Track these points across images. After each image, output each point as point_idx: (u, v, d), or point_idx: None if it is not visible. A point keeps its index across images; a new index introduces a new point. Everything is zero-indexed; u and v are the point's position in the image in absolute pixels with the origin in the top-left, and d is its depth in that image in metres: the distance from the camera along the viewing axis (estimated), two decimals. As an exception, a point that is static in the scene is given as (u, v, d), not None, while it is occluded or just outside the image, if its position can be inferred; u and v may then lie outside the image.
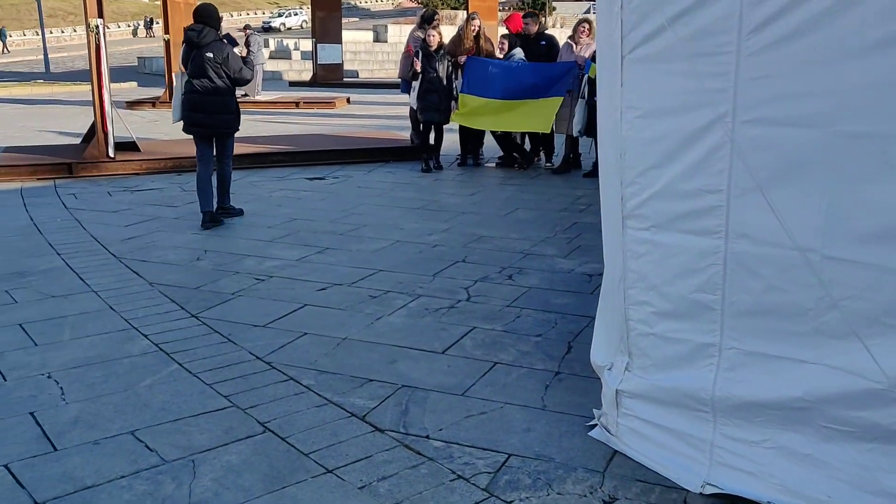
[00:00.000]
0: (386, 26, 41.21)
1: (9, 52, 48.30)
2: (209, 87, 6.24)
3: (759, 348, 2.51)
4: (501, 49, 9.17)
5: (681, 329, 2.71)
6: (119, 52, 46.64)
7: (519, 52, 9.02)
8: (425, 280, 5.04)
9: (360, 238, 6.12)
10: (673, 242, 2.67)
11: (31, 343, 4.01)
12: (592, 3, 59.59)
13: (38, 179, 8.53)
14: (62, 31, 52.69)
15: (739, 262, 2.51)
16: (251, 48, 19.20)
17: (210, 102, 6.28)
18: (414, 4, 64.17)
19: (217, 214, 6.56)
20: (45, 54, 34.99)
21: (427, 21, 9.81)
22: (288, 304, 4.58)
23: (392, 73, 35.44)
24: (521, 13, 9.91)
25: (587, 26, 9.01)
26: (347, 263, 5.43)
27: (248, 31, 20.02)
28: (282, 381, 3.57)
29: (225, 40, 6.44)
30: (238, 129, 6.55)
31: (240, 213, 6.81)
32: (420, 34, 9.70)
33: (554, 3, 51.60)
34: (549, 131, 8.83)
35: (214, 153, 6.59)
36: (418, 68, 8.71)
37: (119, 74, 29.04)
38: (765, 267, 2.45)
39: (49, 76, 31.20)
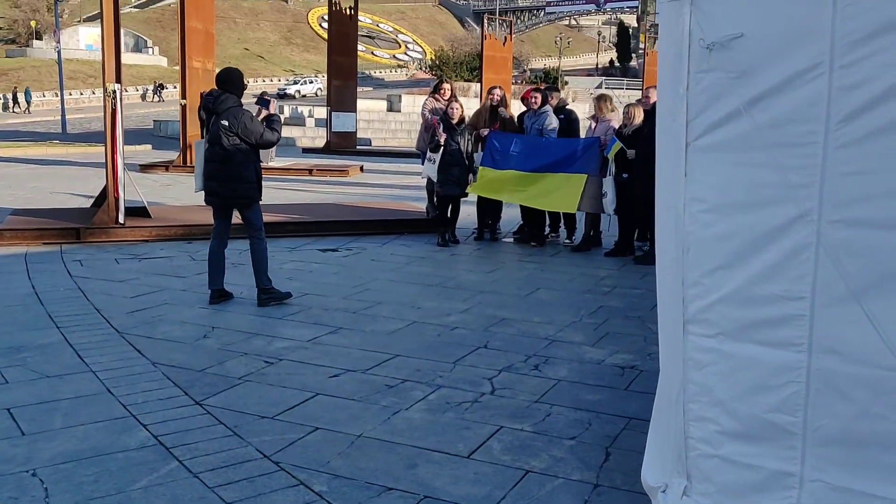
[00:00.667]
0: (400, 96, 41.69)
1: (30, 112, 49.13)
2: (222, 154, 5.90)
3: (850, 483, 2.17)
4: (534, 102, 8.94)
5: (752, 453, 2.37)
6: (136, 115, 47.27)
7: (548, 110, 8.84)
8: (445, 368, 4.70)
9: (374, 317, 5.80)
10: (744, 354, 2.35)
11: (17, 432, 3.67)
12: (604, 77, 60.55)
13: (44, 244, 8.29)
14: (81, 93, 53.55)
15: (826, 382, 2.19)
16: (267, 115, 19.25)
17: (224, 171, 5.95)
18: (427, 76, 65.30)
19: (262, 298, 6.08)
20: (63, 115, 35.40)
21: (434, 90, 9.75)
22: (299, 393, 4.25)
23: (405, 142, 35.74)
24: (533, 88, 9.78)
25: (602, 102, 8.86)
26: (361, 346, 5.11)
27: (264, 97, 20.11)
28: (291, 486, 3.21)
29: (256, 104, 6.24)
30: (257, 199, 6.17)
31: (286, 296, 6.16)
32: (431, 102, 9.58)
33: (566, 78, 52.40)
34: (574, 211, 8.60)
35: (241, 225, 6.31)
36: (442, 140, 8.54)
37: (135, 137, 29.24)
38: (858, 389, 2.12)
39: (65, 137, 31.46)
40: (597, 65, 78.11)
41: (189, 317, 5.71)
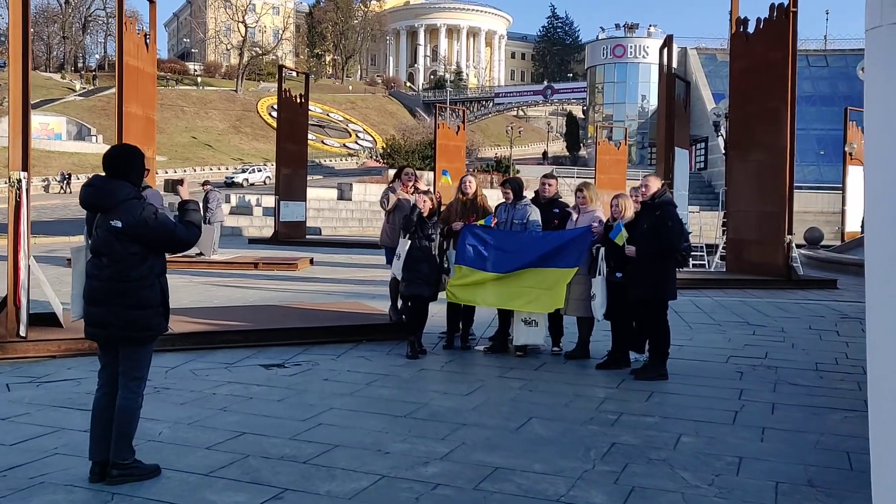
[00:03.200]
0: (350, 184, 41.11)
1: None
2: (112, 269, 4.18)
3: None
4: (506, 196, 7.90)
5: None
6: (75, 203, 45.47)
7: (527, 202, 7.84)
8: (433, 560, 3.40)
9: (330, 471, 4.47)
10: None
11: None
12: (555, 167, 60.88)
13: (-78, 364, 6.80)
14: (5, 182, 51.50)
15: None
16: (210, 204, 18.08)
17: (114, 291, 4.18)
18: (378, 164, 65.07)
19: (110, 474, 4.18)
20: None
21: (398, 177, 8.75)
22: None
23: (356, 230, 34.78)
24: (507, 178, 8.71)
25: (585, 194, 7.78)
26: (315, 521, 3.79)
27: (207, 186, 18.95)
28: None
29: (145, 196, 4.40)
30: (161, 331, 4.39)
31: (153, 472, 4.29)
32: (396, 190, 8.60)
33: (517, 166, 52.44)
34: (562, 306, 7.47)
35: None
36: (415, 215, 7.43)
37: (69, 227, 27.63)
38: None
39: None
40: (545, 154, 79.01)
41: (83, 476, 4.30)
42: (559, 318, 7.99)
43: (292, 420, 5.46)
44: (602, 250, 7.13)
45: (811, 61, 55.14)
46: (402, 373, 7.05)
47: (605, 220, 7.51)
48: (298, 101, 27.22)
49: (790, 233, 14.68)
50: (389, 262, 8.26)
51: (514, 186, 7.89)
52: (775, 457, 4.82)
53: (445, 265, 7.75)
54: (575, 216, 7.81)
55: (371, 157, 74.46)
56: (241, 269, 16.52)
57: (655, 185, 6.92)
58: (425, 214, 7.63)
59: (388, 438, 5.09)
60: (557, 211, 7.85)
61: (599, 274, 7.15)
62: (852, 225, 29.41)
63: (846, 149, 29.19)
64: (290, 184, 26.13)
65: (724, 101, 23.91)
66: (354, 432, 5.21)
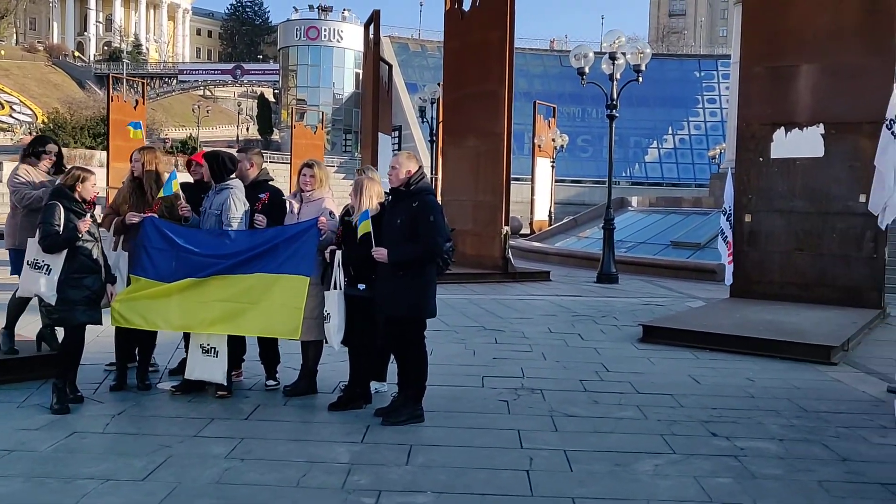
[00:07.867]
0: (1, 163, 35.11)
1: None
2: None
3: None
4: (202, 173, 5.75)
5: None
6: None
7: (230, 186, 5.71)
8: None
9: None
10: None
11: None
12: (237, 146, 57.83)
13: None
14: None
15: None
16: None
17: None
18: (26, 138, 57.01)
19: None
20: None
21: (35, 155, 6.19)
22: None
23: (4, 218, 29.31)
24: (205, 153, 6.49)
25: (315, 172, 5.88)
26: None
27: None
28: None
29: None
30: None
31: None
32: (27, 174, 6.07)
33: (206, 149, 48.70)
34: (297, 337, 5.52)
35: None
36: (83, 228, 4.96)
37: None
38: None
39: None
40: (237, 136, 74.97)
41: None
42: (272, 341, 6.04)
43: None
44: (339, 254, 5.30)
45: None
46: (41, 443, 4.61)
47: (336, 214, 5.71)
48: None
49: (506, 223, 14.06)
50: (18, 270, 5.63)
51: (215, 161, 5.72)
52: (612, 556, 3.37)
53: (113, 272, 5.42)
54: (296, 206, 5.87)
55: (30, 133, 65.11)
56: None
57: (410, 165, 5.20)
58: (90, 199, 5.26)
59: None
60: (263, 196, 5.86)
61: (335, 287, 5.30)
62: (540, 214, 30.74)
63: (536, 141, 30.36)
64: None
65: (433, 85, 23.34)
66: None
